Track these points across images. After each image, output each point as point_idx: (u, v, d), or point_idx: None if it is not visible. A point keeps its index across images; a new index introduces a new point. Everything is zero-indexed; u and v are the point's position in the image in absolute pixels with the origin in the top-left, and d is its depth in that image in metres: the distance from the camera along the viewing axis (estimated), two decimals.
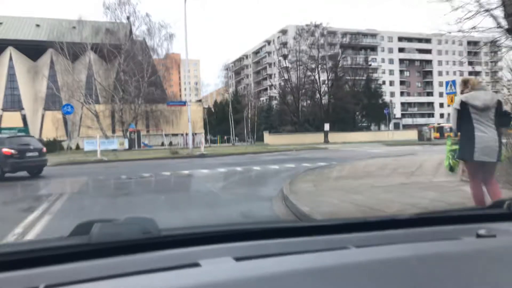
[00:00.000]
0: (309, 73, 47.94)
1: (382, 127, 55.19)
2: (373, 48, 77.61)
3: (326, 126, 39.00)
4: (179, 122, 49.85)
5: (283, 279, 0.74)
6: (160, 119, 48.65)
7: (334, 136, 39.43)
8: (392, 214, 1.24)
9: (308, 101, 49.19)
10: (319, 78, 47.09)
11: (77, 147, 48.21)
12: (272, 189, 8.43)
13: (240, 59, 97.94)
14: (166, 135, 53.01)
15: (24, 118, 53.08)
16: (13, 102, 54.68)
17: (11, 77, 54.98)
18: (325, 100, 46.88)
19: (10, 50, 54.94)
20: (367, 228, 1.10)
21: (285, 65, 53.99)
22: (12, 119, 50.38)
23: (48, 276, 0.76)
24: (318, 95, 47.27)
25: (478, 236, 1.00)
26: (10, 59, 54.83)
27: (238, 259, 0.86)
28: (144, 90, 42.02)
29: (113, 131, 47.75)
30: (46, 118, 53.46)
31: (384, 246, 0.95)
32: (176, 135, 53.17)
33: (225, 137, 55.03)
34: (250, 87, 78.38)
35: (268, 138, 39.58)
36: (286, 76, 51.19)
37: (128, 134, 41.30)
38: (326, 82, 47.07)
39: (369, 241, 0.99)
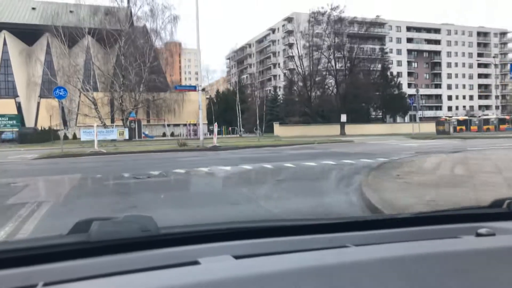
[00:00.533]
0: (324, 59, 44.91)
1: (397, 119, 52.55)
2: (381, 38, 74.53)
3: (343, 117, 36.16)
4: (182, 112, 47.09)
5: (282, 277, 0.74)
6: (162, 108, 45.77)
7: (349, 128, 36.69)
8: (392, 213, 0.99)
9: (318, 91, 46.26)
10: (335, 64, 44.06)
11: (74, 137, 45.40)
12: (345, 201, 5.73)
13: (242, 48, 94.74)
14: (167, 125, 50.41)
15: (19, 106, 50.16)
16: (7, 89, 51.77)
17: (5, 62, 51.96)
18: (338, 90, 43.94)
19: (4, 34, 51.84)
20: (367, 227, 1.08)
21: (291, 54, 50.87)
22: (6, 107, 47.57)
23: (47, 274, 0.76)
24: (332, 84, 44.28)
25: (478, 235, 0.99)
26: (5, 43, 51.80)
27: (237, 257, 0.85)
28: (146, 76, 39.07)
29: (112, 120, 44.96)
30: (42, 105, 50.62)
31: (383, 245, 0.94)
32: (178, 125, 50.49)
33: (230, 128, 52.28)
34: (255, 76, 75.31)
35: (278, 129, 36.75)
36: (296, 64, 48.04)
37: (128, 123, 38.44)
38: (344, 70, 44.08)
39: (369, 240, 0.98)
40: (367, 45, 55.62)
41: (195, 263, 0.82)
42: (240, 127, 48.85)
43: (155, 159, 14.58)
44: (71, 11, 45.41)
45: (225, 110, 59.44)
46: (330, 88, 45.15)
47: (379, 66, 49.82)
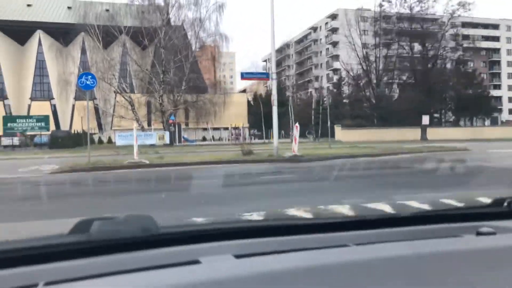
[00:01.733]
0: (403, 53, 38.89)
1: (475, 122, 45.70)
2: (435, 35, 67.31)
3: (425, 119, 29.89)
4: (223, 115, 42.34)
5: (282, 277, 0.74)
6: (202, 110, 41.12)
7: (428, 132, 30.35)
8: (392, 212, 1.10)
9: (386, 89, 40.10)
10: (411, 53, 37.90)
11: (109, 141, 41.51)
12: None
13: (280, 49, 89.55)
14: (205, 129, 45.83)
15: (54, 108, 46.89)
16: (43, 91, 48.72)
17: (40, 63, 48.92)
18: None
19: (39, 34, 48.94)
20: (367, 226, 1.07)
21: (349, 48, 44.77)
22: (42, 109, 44.41)
23: (47, 273, 0.75)
24: (410, 81, 38.18)
25: (478, 234, 0.98)
26: (39, 44, 48.81)
27: (238, 256, 0.84)
28: (188, 74, 34.41)
29: (149, 123, 40.89)
30: (77, 108, 47.24)
31: (383, 244, 0.93)
32: (218, 129, 45.89)
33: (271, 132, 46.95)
34: (294, 78, 69.89)
35: (340, 133, 31.05)
36: (359, 58, 41.85)
37: (168, 126, 33.80)
38: (424, 62, 37.94)
39: (369, 239, 0.97)
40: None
41: (196, 262, 0.81)
42: (291, 130, 43.18)
43: (228, 178, 9.34)
44: (107, 10, 41.78)
45: (265, 113, 54.49)
46: (402, 85, 39.00)
47: (454, 61, 43.21)
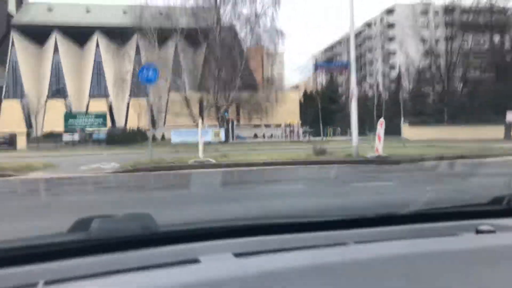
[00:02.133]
0: (478, 45, 35.51)
1: None
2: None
3: (510, 116, 26.41)
4: (275, 112, 40.96)
5: (282, 275, 0.73)
6: (254, 107, 40.02)
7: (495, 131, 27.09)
8: (392, 211, 1.15)
9: (460, 83, 36.54)
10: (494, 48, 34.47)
11: (163, 138, 41.58)
12: None
13: (332, 47, 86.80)
14: (256, 126, 44.65)
15: (110, 106, 47.96)
16: (100, 90, 50.05)
17: (98, 64, 50.26)
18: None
19: (97, 36, 50.24)
20: (366, 224, 1.07)
21: (389, 50, 41.70)
22: (99, 107, 45.51)
23: (47, 272, 0.75)
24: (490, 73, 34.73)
25: (478, 232, 0.97)
26: (97, 45, 50.18)
27: (237, 255, 0.84)
28: (241, 72, 33.36)
29: (201, 120, 40.41)
30: (131, 105, 48.00)
31: (383, 242, 0.93)
32: (268, 126, 44.56)
33: (332, 129, 44.61)
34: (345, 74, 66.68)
35: (408, 131, 28.28)
36: (431, 48, 38.55)
37: (224, 122, 32.88)
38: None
39: (368, 237, 0.97)
40: None
41: (196, 261, 0.80)
42: (352, 128, 40.92)
43: (322, 184, 7.81)
44: (160, 13, 41.96)
45: (319, 109, 52.61)
46: (476, 79, 35.48)
47: None
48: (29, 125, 45.90)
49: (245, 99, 37.57)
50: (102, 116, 24.01)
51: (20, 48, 47.47)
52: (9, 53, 46.86)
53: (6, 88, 46.94)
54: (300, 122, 46.16)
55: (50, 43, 48.51)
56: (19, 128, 41.41)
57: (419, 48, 40.47)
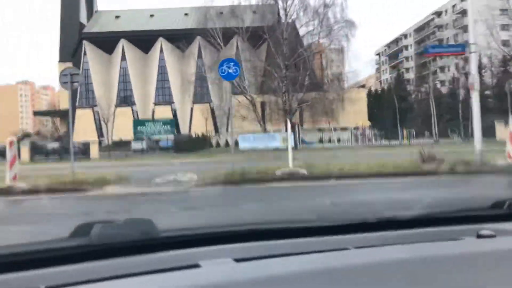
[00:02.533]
0: None
1: None
2: None
3: None
4: (341, 113, 38.41)
5: (283, 280, 0.74)
6: (319, 109, 37.64)
7: None
8: (392, 215, 1.15)
9: None
10: None
11: (227, 144, 41.00)
12: None
13: (396, 41, 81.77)
14: (320, 129, 42.38)
15: (174, 113, 48.38)
16: (164, 96, 50.79)
17: (162, 69, 51.05)
18: None
19: (160, 42, 51.16)
20: (367, 229, 1.06)
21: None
22: (163, 114, 46.10)
23: (48, 278, 0.76)
24: None
25: (479, 236, 0.97)
26: (161, 51, 51.00)
27: (238, 260, 0.84)
28: (308, 70, 31.36)
29: (264, 124, 39.05)
30: (195, 111, 48.20)
31: (383, 247, 0.93)
32: (334, 129, 42.03)
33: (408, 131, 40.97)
34: (412, 70, 62.27)
35: (503, 131, 24.63)
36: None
37: (290, 128, 31.12)
38: None
39: (369, 242, 0.97)
40: None
41: (196, 266, 0.80)
42: (435, 130, 36.78)
43: None
44: (221, 13, 41.35)
45: (395, 109, 49.31)
46: None
47: None
48: (100, 133, 47.70)
49: (312, 100, 35.42)
50: (170, 122, 23.47)
51: (92, 57, 49.47)
52: (81, 62, 49.03)
53: (79, 96, 49.12)
54: (369, 124, 43.15)
55: (118, 51, 50.03)
56: (91, 136, 43.05)
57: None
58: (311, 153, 20.23)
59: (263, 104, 37.15)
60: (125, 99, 49.26)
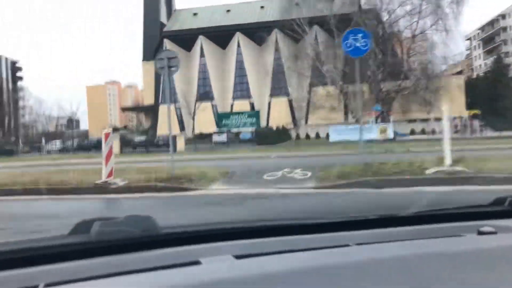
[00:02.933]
0: None
1: None
2: None
3: None
4: (438, 102, 33.98)
5: (283, 277, 0.73)
6: (411, 98, 33.66)
7: None
8: (393, 212, 1.15)
9: None
10: None
11: (307, 136, 38.82)
12: None
13: (491, 22, 72.68)
14: (410, 121, 38.27)
15: (252, 107, 47.36)
16: (242, 91, 50.02)
17: (239, 64, 50.29)
18: None
19: (238, 36, 50.49)
20: (368, 226, 1.06)
21: None
22: (242, 108, 45.29)
23: (48, 274, 0.75)
24: None
25: (480, 233, 0.97)
26: (238, 45, 50.24)
27: (238, 257, 0.84)
28: (406, 58, 27.84)
29: (346, 115, 36.09)
30: (273, 105, 46.70)
31: (384, 244, 0.92)
32: (425, 120, 37.64)
33: None
34: None
35: None
36: None
37: (378, 118, 27.93)
38: None
39: (370, 239, 0.96)
40: None
41: (196, 263, 0.80)
42: None
43: None
44: (296, 4, 39.09)
45: (486, 97, 43.49)
46: None
47: None
48: (182, 127, 48.33)
49: (404, 88, 31.69)
50: (255, 115, 21.99)
51: None
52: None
53: (162, 93, 50.27)
54: (470, 113, 38.08)
55: (196, 47, 50.23)
56: (173, 130, 43.70)
57: None
58: (420, 146, 17.25)
59: (347, 94, 34.32)
60: (204, 95, 49.36)
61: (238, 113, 26.67)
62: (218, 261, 0.82)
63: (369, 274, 0.75)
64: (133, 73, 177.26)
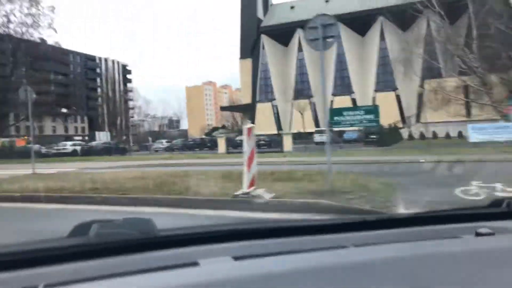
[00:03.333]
0: None
1: None
2: None
3: None
4: None
5: (281, 278, 0.74)
6: None
7: None
8: (391, 213, 1.18)
9: None
10: None
11: (422, 137, 34.31)
12: None
13: None
14: None
15: (353, 102, 43.94)
16: (343, 86, 46.81)
17: (340, 57, 47.12)
18: None
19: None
20: (366, 227, 1.06)
21: None
22: (343, 104, 42.21)
23: (47, 276, 0.76)
24: None
25: (477, 234, 0.97)
26: (339, 37, 47.09)
27: (237, 258, 0.84)
28: None
29: (468, 112, 30.80)
30: (378, 100, 42.73)
31: (383, 245, 0.92)
32: None
33: None
34: None
35: None
36: None
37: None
38: None
39: (368, 240, 0.97)
40: None
41: (195, 264, 0.80)
42: None
43: None
44: None
45: None
46: None
47: None
48: (279, 127, 46.97)
49: None
50: (374, 110, 19.06)
51: (269, 51, 49.08)
52: (260, 57, 49.09)
53: (260, 91, 49.40)
54: None
55: (294, 42, 48.28)
56: (271, 130, 42.40)
57: None
58: None
59: (466, 88, 29.16)
60: (301, 91, 47.26)
61: (353, 109, 23.83)
62: (216, 263, 0.81)
63: (367, 275, 0.75)
64: (229, 73, 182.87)
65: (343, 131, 34.11)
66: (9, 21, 26.47)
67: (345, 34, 46.40)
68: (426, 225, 1.08)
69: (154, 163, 15.20)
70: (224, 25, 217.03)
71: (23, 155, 26.80)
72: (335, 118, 23.37)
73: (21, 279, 0.74)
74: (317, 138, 32.13)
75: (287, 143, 21.96)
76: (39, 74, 37.41)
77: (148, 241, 0.88)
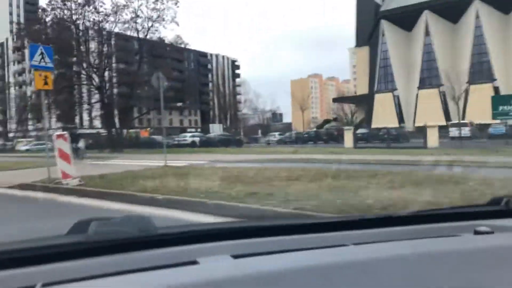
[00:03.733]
0: None
1: None
2: None
3: None
4: None
5: (281, 277, 0.73)
6: None
7: None
8: (390, 211, 1.17)
9: None
10: None
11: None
12: None
13: None
14: None
15: (496, 91, 37.04)
16: (480, 73, 40.02)
17: (478, 39, 40.31)
18: None
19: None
20: (365, 226, 1.05)
21: None
22: (481, 93, 35.96)
23: (45, 274, 0.75)
24: None
25: (476, 233, 0.96)
26: (477, 16, 40.27)
27: (236, 256, 0.83)
28: None
29: None
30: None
31: (382, 243, 0.92)
32: None
33: None
34: None
35: None
36: None
37: None
38: None
39: (367, 239, 0.96)
40: None
41: (194, 262, 0.80)
42: None
43: None
44: None
45: None
46: None
47: None
48: (400, 119, 42.29)
49: None
50: None
51: (390, 36, 44.42)
52: (379, 44, 44.73)
53: (378, 80, 45.12)
54: None
55: (420, 25, 42.86)
56: (391, 122, 38.04)
57: None
58: None
59: None
60: (429, 80, 41.70)
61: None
62: (215, 261, 0.81)
63: (366, 274, 0.74)
64: (336, 66, 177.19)
65: (487, 125, 28.79)
66: (137, 15, 27.45)
67: (486, 11, 39.53)
68: (425, 223, 1.06)
69: (282, 158, 13.29)
70: (334, 17, 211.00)
71: (147, 145, 28.63)
72: (501, 107, 18.86)
73: (18, 278, 0.73)
74: (454, 132, 27.36)
75: (432, 138, 18.31)
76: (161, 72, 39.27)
77: (147, 239, 0.86)
